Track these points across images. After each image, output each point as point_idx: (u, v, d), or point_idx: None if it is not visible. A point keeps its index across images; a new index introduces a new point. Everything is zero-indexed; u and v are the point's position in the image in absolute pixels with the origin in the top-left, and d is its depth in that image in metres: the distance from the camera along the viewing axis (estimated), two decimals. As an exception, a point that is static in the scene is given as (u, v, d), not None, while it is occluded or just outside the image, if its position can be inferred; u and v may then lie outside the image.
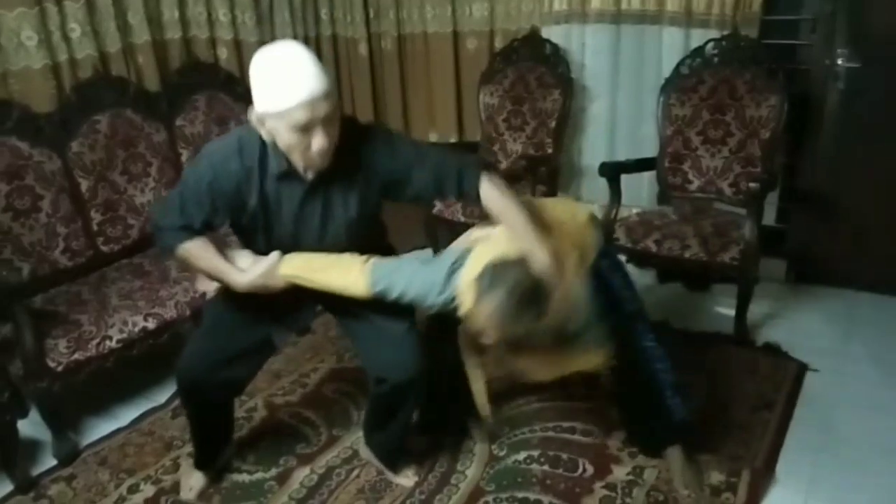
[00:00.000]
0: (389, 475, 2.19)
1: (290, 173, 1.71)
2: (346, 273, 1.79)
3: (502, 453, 2.27)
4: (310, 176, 1.72)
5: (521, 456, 2.25)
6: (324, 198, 1.77)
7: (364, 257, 1.80)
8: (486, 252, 1.70)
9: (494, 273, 1.60)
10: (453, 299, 1.72)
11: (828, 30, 2.98)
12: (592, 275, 1.82)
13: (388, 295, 1.77)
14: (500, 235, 1.76)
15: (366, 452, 2.25)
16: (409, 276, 1.78)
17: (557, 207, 1.98)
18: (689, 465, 2.11)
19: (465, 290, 1.66)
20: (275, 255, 1.79)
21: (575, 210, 2.02)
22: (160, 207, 1.80)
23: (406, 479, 2.18)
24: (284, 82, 1.54)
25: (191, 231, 1.77)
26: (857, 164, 3.05)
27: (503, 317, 1.57)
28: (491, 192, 1.77)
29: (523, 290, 1.58)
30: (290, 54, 1.58)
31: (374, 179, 1.78)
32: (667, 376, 2.06)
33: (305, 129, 1.57)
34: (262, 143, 1.68)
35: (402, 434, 2.12)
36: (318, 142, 1.59)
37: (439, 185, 1.80)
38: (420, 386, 1.96)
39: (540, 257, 1.63)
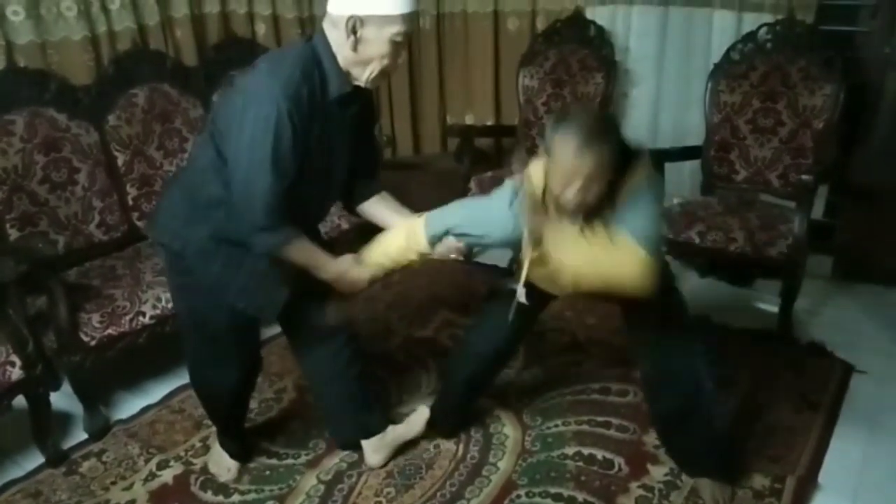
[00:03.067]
0: None
1: (347, 96, 1.66)
2: (407, 232, 1.79)
3: (535, 447, 2.22)
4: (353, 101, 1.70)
5: (555, 451, 2.20)
6: (357, 125, 1.77)
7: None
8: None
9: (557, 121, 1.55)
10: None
11: (889, 16, 2.84)
12: None
13: (441, 230, 1.74)
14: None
15: None
16: (463, 210, 1.77)
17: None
18: (720, 488, 2.00)
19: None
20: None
21: None
22: (251, 203, 1.60)
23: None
24: None
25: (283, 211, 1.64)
26: (913, 158, 2.92)
27: (581, 147, 1.47)
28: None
29: (592, 120, 1.53)
30: None
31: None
32: (720, 421, 2.03)
33: (402, 44, 1.59)
34: (317, 63, 1.61)
35: None
36: (403, 57, 1.65)
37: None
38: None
39: None
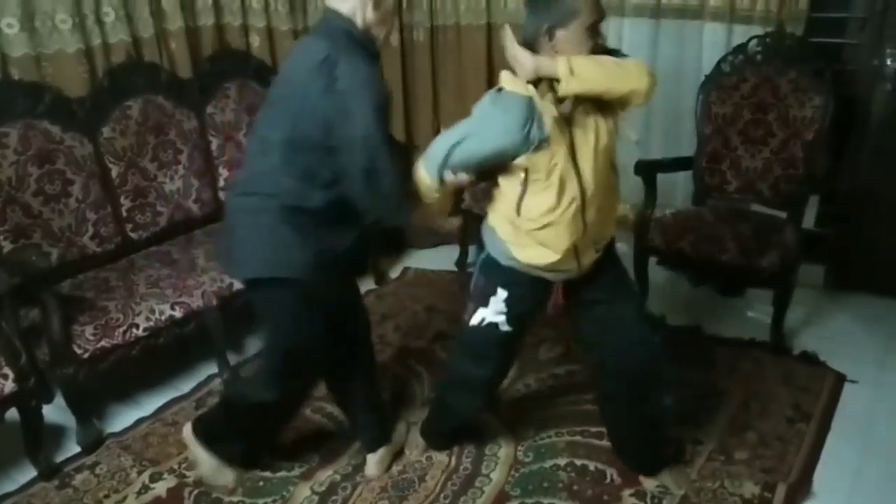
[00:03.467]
0: None
1: (378, 53, 1.75)
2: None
3: (528, 458, 2.22)
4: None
5: (548, 462, 2.20)
6: None
7: None
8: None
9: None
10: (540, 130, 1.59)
11: (877, 29, 2.87)
12: None
13: (441, 160, 1.69)
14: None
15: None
16: (452, 133, 1.70)
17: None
18: (678, 472, 2.11)
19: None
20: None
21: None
22: (387, 179, 1.68)
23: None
24: None
25: None
26: (902, 168, 2.95)
27: None
28: None
29: None
30: None
31: None
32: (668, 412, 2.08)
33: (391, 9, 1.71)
34: (350, 35, 1.67)
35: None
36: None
37: None
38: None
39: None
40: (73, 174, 2.57)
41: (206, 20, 3.12)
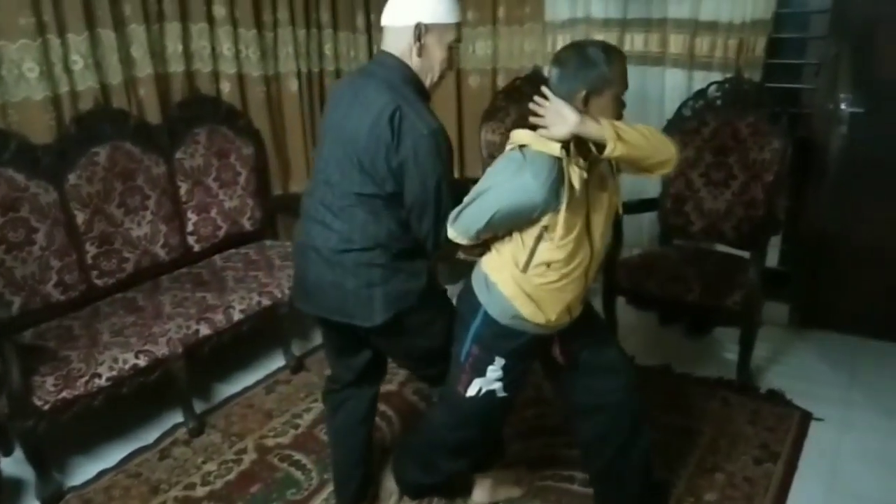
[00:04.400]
0: None
1: (429, 99, 1.81)
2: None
3: None
4: None
5: (518, 507, 2.18)
6: None
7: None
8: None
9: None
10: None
11: (832, 74, 2.98)
12: None
13: (480, 228, 1.69)
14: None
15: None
16: (491, 201, 1.66)
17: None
18: None
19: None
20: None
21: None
22: (436, 219, 1.76)
23: None
24: (455, 1, 1.75)
25: None
26: (860, 208, 3.03)
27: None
28: None
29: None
30: None
31: None
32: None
33: (455, 50, 1.78)
34: (412, 82, 1.74)
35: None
36: (455, 64, 1.83)
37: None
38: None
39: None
40: (38, 222, 2.54)
41: (177, 67, 3.14)
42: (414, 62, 1.75)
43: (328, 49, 3.82)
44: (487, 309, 1.76)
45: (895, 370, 2.87)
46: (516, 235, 1.70)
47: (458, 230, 1.70)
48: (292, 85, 3.64)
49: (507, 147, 1.69)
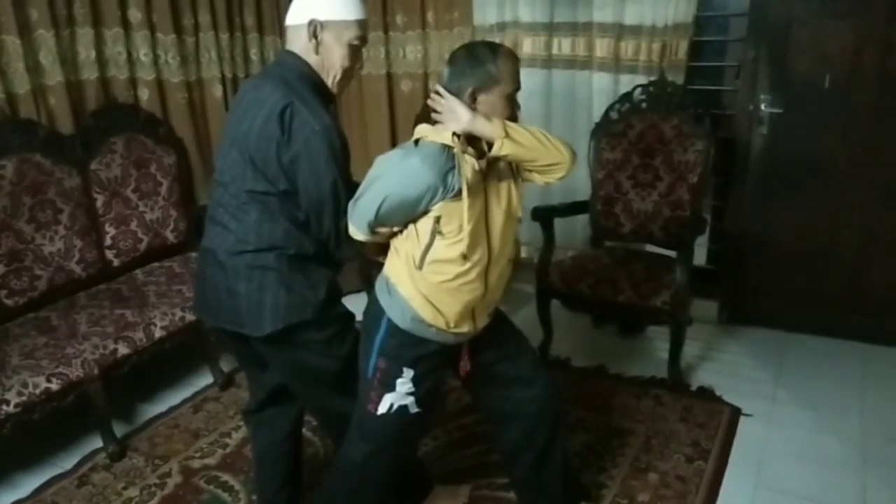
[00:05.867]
0: None
1: (332, 98, 1.76)
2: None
3: (432, 515, 2.16)
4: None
5: (453, 518, 2.15)
6: None
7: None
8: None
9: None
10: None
11: (751, 76, 3.05)
12: None
13: (370, 220, 1.64)
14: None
15: None
16: (378, 191, 1.62)
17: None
18: None
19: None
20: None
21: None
22: (326, 221, 1.70)
23: None
24: None
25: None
26: (781, 205, 3.12)
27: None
28: None
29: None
30: None
31: None
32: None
33: (359, 48, 1.72)
34: (307, 80, 1.69)
35: None
36: (361, 63, 1.76)
37: None
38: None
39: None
40: (-63, 240, 2.38)
41: (89, 74, 3.00)
42: (313, 60, 1.70)
43: (254, 54, 3.74)
44: (389, 313, 1.70)
45: (818, 364, 2.96)
46: (412, 231, 1.66)
47: (354, 224, 1.67)
48: (216, 91, 3.53)
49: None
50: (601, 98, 3.24)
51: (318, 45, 1.69)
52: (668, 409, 2.66)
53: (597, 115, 3.19)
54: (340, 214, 1.68)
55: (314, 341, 1.76)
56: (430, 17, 3.66)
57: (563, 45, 3.35)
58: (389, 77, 3.84)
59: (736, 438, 2.49)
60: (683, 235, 2.76)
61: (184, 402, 2.82)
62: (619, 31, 3.18)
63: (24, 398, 2.21)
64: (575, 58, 3.33)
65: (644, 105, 3.03)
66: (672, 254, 2.88)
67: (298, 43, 1.71)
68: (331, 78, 1.73)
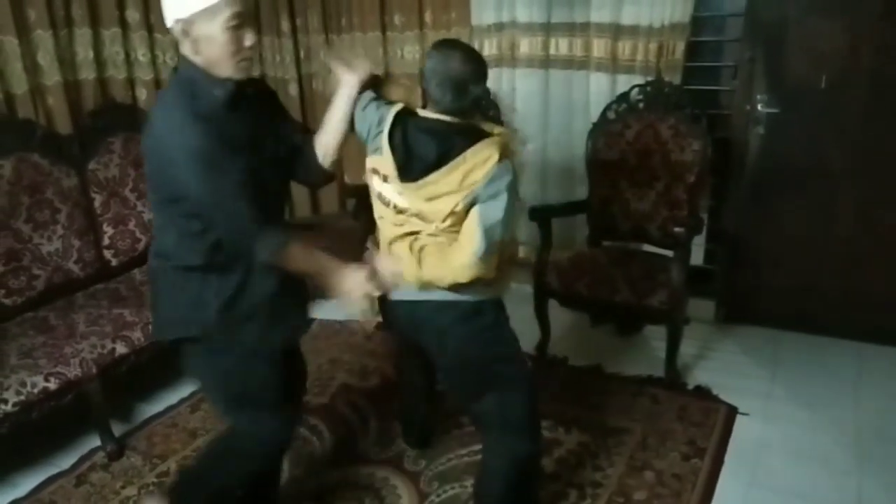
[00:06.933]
0: None
1: (237, 94, 1.61)
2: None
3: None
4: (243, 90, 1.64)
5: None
6: (270, 118, 1.75)
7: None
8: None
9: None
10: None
11: (747, 76, 3.06)
12: None
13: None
14: None
15: None
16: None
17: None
18: None
19: None
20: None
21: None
22: (237, 220, 1.59)
23: None
24: None
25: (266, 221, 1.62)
26: (777, 205, 3.12)
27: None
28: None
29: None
30: None
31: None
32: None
33: (239, 25, 1.55)
34: (190, 85, 1.59)
35: None
36: (250, 37, 1.58)
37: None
38: None
39: None
40: (-65, 239, 2.39)
41: (87, 74, 3.01)
42: (199, 61, 1.58)
43: (252, 54, 3.73)
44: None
45: (813, 362, 2.97)
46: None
47: (492, 250, 1.77)
48: (215, 91, 3.53)
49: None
50: (598, 98, 3.24)
51: (194, 43, 1.55)
52: (665, 407, 2.67)
53: (594, 115, 3.19)
54: (232, 220, 1.58)
55: (204, 366, 1.78)
56: (427, 17, 3.66)
57: (561, 46, 3.35)
58: (387, 77, 3.84)
59: (732, 437, 2.50)
60: (678, 236, 2.76)
61: (181, 401, 2.83)
62: (616, 31, 3.18)
63: (22, 397, 2.21)
64: (572, 58, 3.33)
65: (641, 105, 3.04)
66: (669, 253, 2.89)
67: (182, 46, 1.60)
68: (225, 71, 1.58)
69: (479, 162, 1.72)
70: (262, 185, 1.64)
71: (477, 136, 1.77)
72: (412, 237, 1.82)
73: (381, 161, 1.80)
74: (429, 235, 1.80)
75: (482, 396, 1.89)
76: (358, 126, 1.89)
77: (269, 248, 1.60)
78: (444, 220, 1.76)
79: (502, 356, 1.90)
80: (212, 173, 1.53)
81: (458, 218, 1.76)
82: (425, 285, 1.80)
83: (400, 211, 1.81)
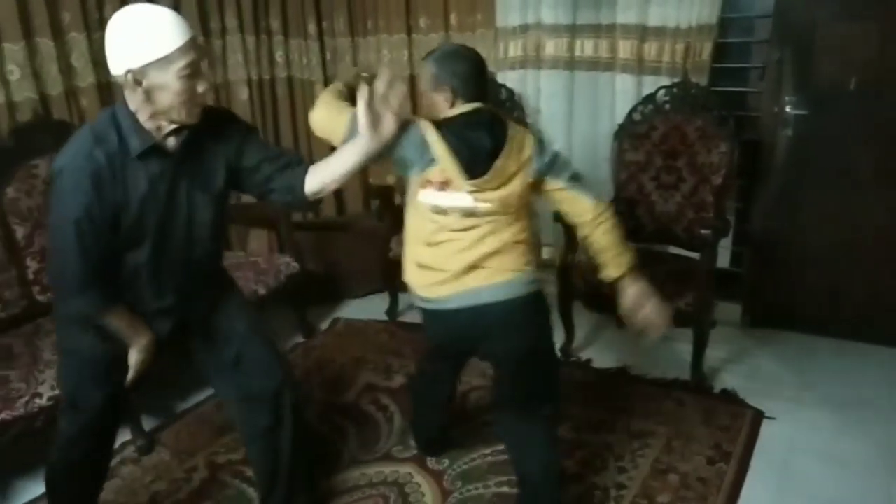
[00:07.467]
0: None
1: (154, 148, 1.60)
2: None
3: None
4: (174, 144, 1.64)
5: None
6: (189, 178, 1.69)
7: None
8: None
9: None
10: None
11: (776, 78, 3.04)
12: None
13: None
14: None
15: None
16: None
17: None
18: None
19: None
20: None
21: None
22: (55, 270, 1.67)
23: None
24: (164, 27, 1.50)
25: (97, 279, 1.62)
26: (805, 208, 3.09)
27: None
28: (315, 173, 1.77)
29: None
30: (151, 6, 1.54)
31: (228, 159, 1.75)
32: None
33: (193, 74, 1.53)
34: (115, 125, 1.58)
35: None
36: (203, 84, 1.57)
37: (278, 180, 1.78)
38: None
39: None
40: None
41: (120, 76, 3.06)
42: (146, 108, 1.56)
43: (279, 56, 3.78)
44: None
45: (842, 367, 2.93)
46: None
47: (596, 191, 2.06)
48: (242, 93, 3.59)
49: None
50: (624, 99, 3.24)
51: (147, 93, 1.53)
52: (690, 411, 2.66)
53: (620, 116, 3.19)
54: (64, 262, 1.61)
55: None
56: (453, 19, 3.68)
57: (586, 47, 3.35)
58: (412, 79, 3.85)
59: (758, 441, 2.48)
60: (704, 238, 2.74)
61: (208, 398, 2.87)
62: (643, 32, 3.18)
63: (57, 391, 2.26)
64: (598, 59, 3.33)
65: (667, 106, 3.03)
66: (695, 256, 2.88)
67: (129, 94, 1.57)
68: (177, 114, 1.57)
69: (520, 135, 1.87)
70: (136, 239, 1.65)
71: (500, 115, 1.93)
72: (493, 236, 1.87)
73: (437, 170, 1.80)
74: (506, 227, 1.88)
75: (546, 379, 1.98)
76: (401, 153, 1.83)
77: (81, 308, 1.68)
78: (519, 199, 1.87)
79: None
80: (62, 216, 1.57)
81: (525, 199, 1.90)
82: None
83: (469, 214, 1.82)
